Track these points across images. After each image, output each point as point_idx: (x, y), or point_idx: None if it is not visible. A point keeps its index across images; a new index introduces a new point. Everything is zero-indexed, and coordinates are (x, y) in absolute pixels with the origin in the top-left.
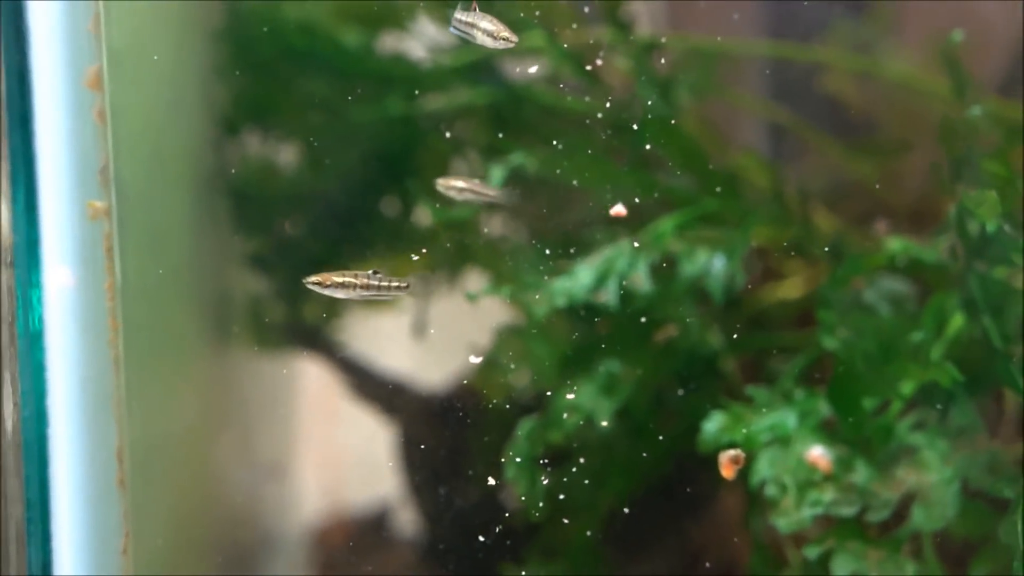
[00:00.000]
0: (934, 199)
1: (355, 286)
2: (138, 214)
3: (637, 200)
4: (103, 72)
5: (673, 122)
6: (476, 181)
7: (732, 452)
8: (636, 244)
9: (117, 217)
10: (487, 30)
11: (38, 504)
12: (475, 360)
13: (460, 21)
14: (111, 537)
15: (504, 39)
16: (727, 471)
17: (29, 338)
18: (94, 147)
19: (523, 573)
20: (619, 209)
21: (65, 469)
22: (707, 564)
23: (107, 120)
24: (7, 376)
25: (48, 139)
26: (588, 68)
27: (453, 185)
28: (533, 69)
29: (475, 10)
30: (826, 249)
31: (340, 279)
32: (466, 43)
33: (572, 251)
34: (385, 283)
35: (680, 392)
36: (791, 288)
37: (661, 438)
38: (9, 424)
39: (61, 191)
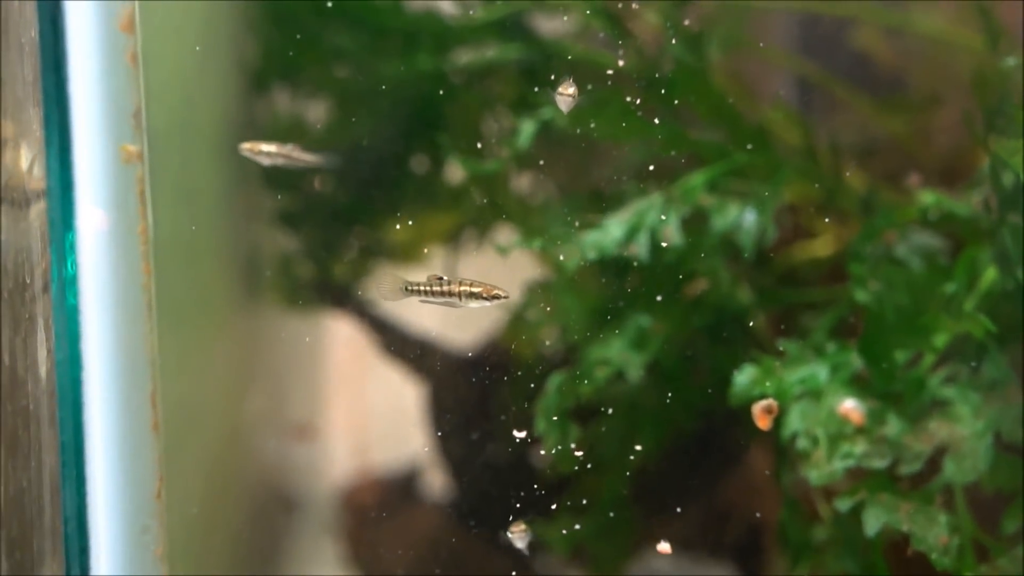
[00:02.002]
0: (966, 155)
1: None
2: (169, 164)
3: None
4: (135, 14)
5: (703, 77)
6: (289, 146)
7: (765, 402)
8: (666, 198)
9: (149, 165)
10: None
11: (72, 448)
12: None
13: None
14: (146, 482)
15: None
16: (762, 422)
17: (63, 282)
18: (127, 90)
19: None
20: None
21: (99, 414)
22: (736, 519)
23: (139, 64)
24: (40, 322)
25: (81, 81)
26: (618, 23)
27: (262, 150)
28: (563, 20)
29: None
30: (857, 205)
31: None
32: None
33: (603, 206)
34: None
35: (710, 347)
36: (822, 246)
37: (691, 393)
38: (43, 370)
39: (94, 134)
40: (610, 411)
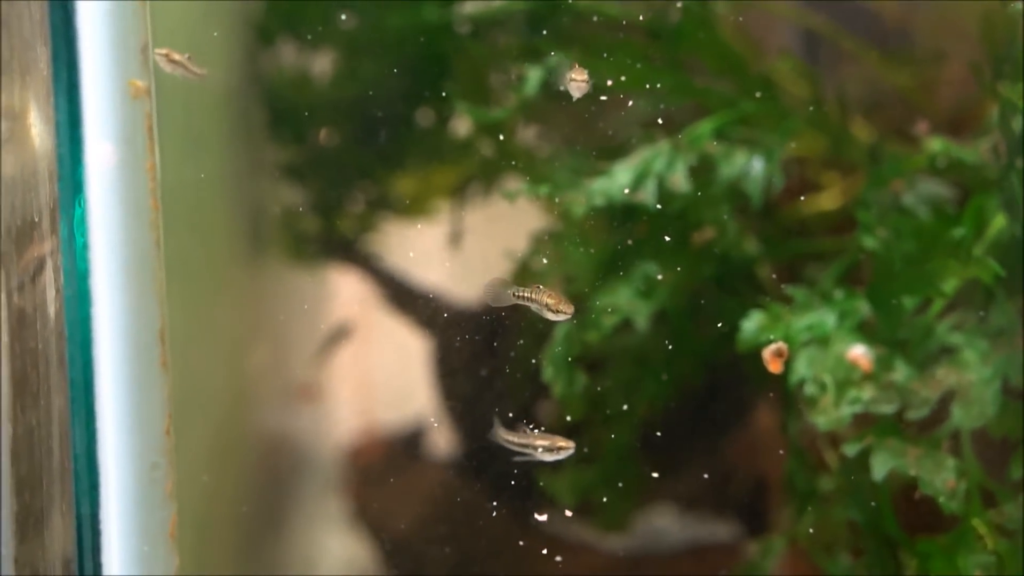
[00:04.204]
0: (973, 108)
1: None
2: (174, 111)
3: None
4: None
5: (710, 27)
6: (188, 55)
7: (775, 345)
8: (673, 146)
9: (156, 104)
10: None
11: (81, 386)
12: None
13: None
14: (155, 418)
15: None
16: (773, 365)
17: (72, 219)
18: (134, 25)
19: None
20: None
21: (108, 351)
22: (742, 472)
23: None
24: (49, 262)
25: (88, 16)
26: None
27: (173, 58)
28: None
29: None
30: (864, 157)
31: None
32: None
33: (610, 155)
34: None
35: (717, 297)
36: (829, 199)
37: (698, 343)
38: (52, 310)
39: (102, 69)
40: (618, 365)
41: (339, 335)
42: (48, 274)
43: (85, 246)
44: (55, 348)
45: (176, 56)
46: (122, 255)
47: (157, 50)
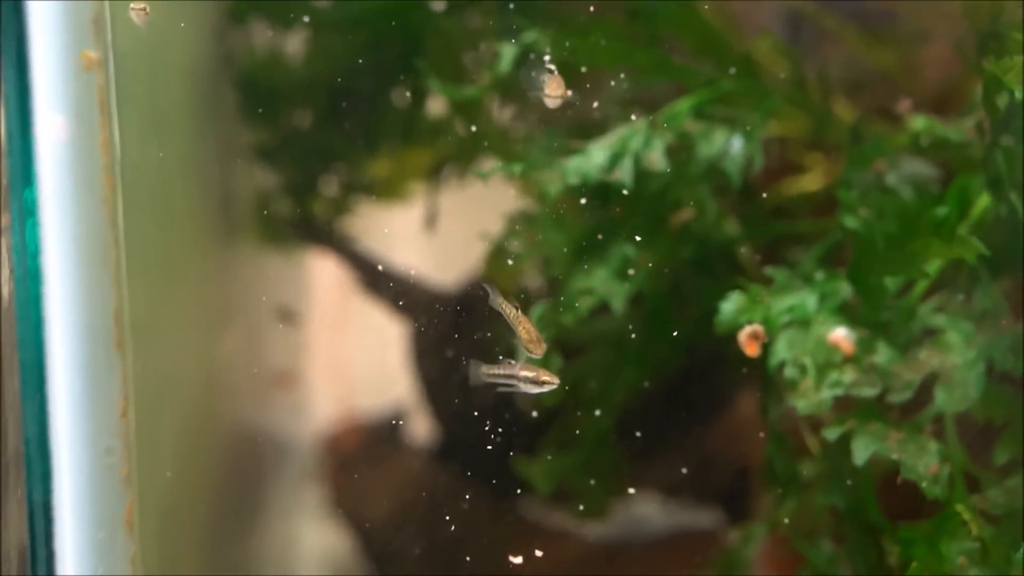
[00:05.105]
0: (956, 88)
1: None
2: (136, 88)
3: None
4: None
5: (689, 6)
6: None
7: (751, 327)
8: (651, 124)
9: (116, 81)
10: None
11: (33, 367)
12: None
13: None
14: (110, 401)
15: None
16: (750, 348)
17: (22, 194)
18: None
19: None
20: None
21: (60, 331)
22: (721, 460)
23: None
24: (2, 242)
25: None
26: None
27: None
28: None
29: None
30: (847, 137)
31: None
32: None
33: (586, 134)
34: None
35: (696, 279)
36: (810, 181)
37: (676, 327)
38: (4, 291)
39: (53, 39)
40: (595, 350)
41: (286, 318)
42: (2, 254)
43: (35, 223)
44: (7, 330)
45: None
46: (74, 233)
47: (133, 5)
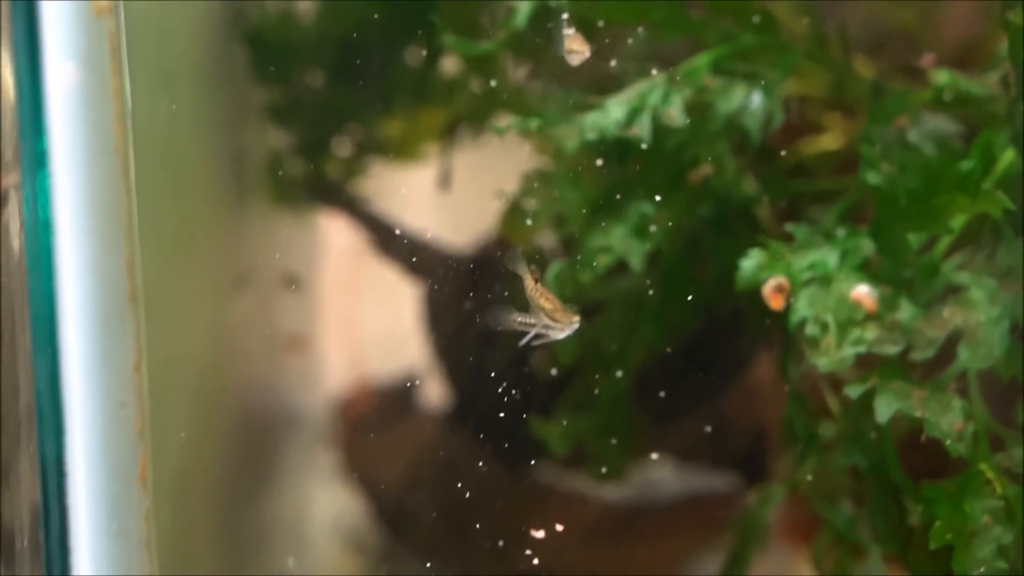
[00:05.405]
0: (979, 46)
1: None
2: (149, 39)
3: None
4: None
5: None
6: None
7: (775, 280)
8: (669, 79)
9: (127, 35)
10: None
11: (45, 319)
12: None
13: None
14: (123, 354)
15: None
16: (774, 301)
17: (32, 146)
18: None
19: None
20: None
21: (72, 283)
22: (740, 422)
23: None
24: (13, 194)
25: None
26: None
27: None
28: None
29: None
30: (867, 95)
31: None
32: None
33: (603, 91)
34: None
35: (714, 238)
36: (829, 141)
37: (694, 286)
38: (16, 244)
39: None
40: (612, 310)
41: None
42: (13, 206)
43: (46, 173)
44: (20, 283)
45: None
46: (86, 182)
47: None
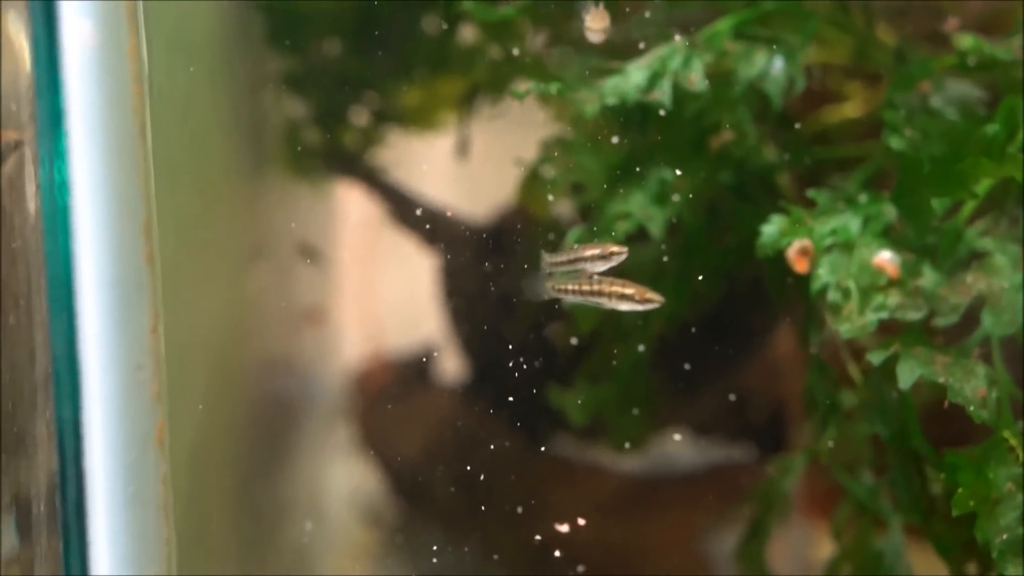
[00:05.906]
0: (1002, 15)
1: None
2: (166, 6)
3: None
4: None
5: None
6: None
7: (799, 243)
8: (690, 44)
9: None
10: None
11: (61, 281)
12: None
13: None
14: (139, 316)
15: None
16: (799, 264)
17: (49, 101)
18: None
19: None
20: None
21: (89, 244)
22: (762, 387)
23: None
24: (28, 154)
25: None
26: None
27: None
28: None
29: None
30: (890, 62)
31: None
32: None
33: (624, 57)
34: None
35: (735, 205)
36: (851, 109)
37: (714, 254)
38: (31, 207)
39: None
40: (630, 273)
41: (314, 253)
42: (28, 167)
43: (62, 132)
44: (35, 245)
45: None
46: (102, 141)
47: None
